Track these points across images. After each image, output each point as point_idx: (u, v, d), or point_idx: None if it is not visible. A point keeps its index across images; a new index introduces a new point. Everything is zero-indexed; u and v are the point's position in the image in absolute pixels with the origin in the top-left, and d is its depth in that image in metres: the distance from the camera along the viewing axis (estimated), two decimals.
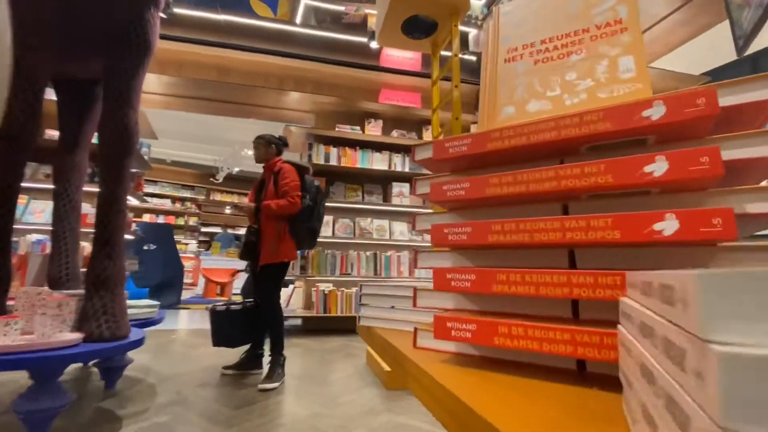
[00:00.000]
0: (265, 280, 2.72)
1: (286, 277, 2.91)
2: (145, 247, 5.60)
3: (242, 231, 12.06)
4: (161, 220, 10.99)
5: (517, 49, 0.84)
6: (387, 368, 2.55)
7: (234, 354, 2.86)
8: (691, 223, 0.46)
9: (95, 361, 2.31)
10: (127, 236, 3.89)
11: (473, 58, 5.61)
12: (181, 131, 8.82)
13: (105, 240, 1.88)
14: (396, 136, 4.82)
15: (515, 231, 0.57)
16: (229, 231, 11.33)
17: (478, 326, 0.56)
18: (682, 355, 0.21)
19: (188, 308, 6.04)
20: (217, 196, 12.22)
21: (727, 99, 0.50)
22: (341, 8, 5.18)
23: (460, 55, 1.90)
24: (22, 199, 2.83)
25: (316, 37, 4.97)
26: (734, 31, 2.39)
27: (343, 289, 4.36)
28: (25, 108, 1.76)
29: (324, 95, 4.95)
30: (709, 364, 0.17)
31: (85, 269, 1.93)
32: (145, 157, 4.31)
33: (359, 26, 5.15)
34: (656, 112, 0.50)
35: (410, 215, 4.93)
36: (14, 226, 1.87)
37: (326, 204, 3.24)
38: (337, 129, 4.70)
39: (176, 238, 8.09)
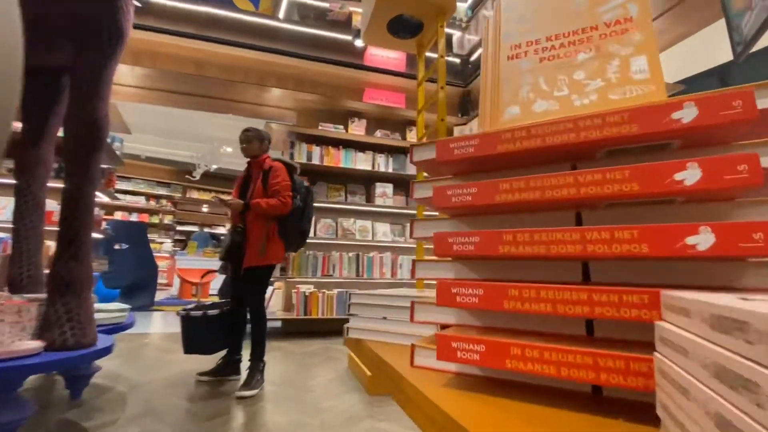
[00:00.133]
0: (252, 283, 2.59)
1: None
2: (116, 247, 5.36)
3: (220, 230, 11.75)
4: (134, 218, 10.61)
5: (521, 45, 0.79)
6: (369, 373, 2.48)
7: (210, 360, 2.74)
8: (729, 237, 0.41)
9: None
10: (96, 235, 3.70)
11: (457, 60, 5.61)
12: (156, 126, 8.49)
13: (70, 239, 1.75)
14: (380, 136, 4.76)
15: (529, 242, 0.51)
16: (206, 230, 11.05)
17: (487, 347, 0.51)
18: None
19: (162, 310, 5.83)
20: (194, 194, 11.87)
21: (763, 102, 0.46)
22: (326, 5, 5.09)
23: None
24: None
25: (299, 33, 4.86)
26: (732, 37, 2.42)
27: (324, 290, 4.28)
28: None
29: (306, 93, 4.84)
30: None
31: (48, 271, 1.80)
32: (117, 152, 4.11)
33: (344, 24, 5.08)
34: (688, 115, 0.46)
35: (393, 216, 4.89)
36: None
37: None
38: (320, 127, 4.61)
39: (150, 236, 7.82)
